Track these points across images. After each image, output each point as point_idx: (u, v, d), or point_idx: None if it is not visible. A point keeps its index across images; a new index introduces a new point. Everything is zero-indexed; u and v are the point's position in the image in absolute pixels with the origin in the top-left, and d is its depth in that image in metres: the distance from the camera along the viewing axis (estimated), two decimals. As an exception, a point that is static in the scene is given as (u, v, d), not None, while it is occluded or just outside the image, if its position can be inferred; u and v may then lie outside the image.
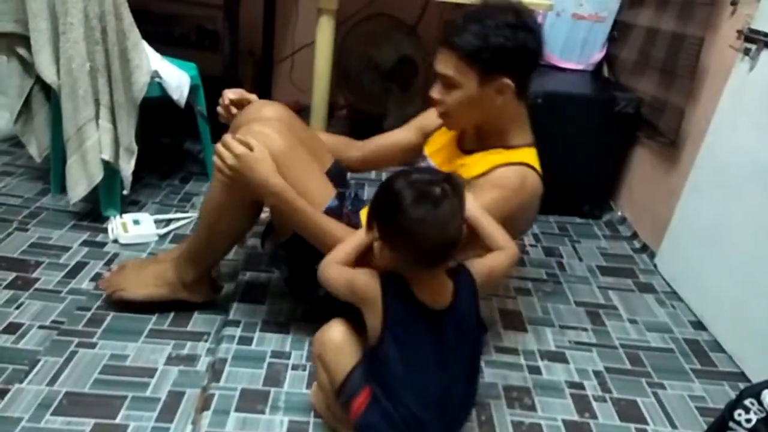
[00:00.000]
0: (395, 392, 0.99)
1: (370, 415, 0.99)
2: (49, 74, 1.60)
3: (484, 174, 1.22)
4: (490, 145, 1.27)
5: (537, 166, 1.26)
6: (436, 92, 1.23)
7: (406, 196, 0.94)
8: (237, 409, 1.14)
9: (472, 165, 1.25)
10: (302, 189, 1.19)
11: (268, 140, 1.18)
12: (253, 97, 1.40)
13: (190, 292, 1.41)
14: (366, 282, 1.00)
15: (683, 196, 1.77)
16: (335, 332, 1.07)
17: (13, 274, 1.49)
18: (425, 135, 1.46)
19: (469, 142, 1.32)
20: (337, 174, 1.42)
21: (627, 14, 2.18)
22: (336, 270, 1.05)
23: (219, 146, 1.16)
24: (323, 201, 1.22)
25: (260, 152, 1.14)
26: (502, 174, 1.21)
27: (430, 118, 1.43)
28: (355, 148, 1.54)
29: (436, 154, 1.38)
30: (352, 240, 1.09)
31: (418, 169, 1.02)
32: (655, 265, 1.88)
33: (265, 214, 1.32)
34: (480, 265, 1.08)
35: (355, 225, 1.21)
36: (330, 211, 1.22)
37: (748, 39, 1.56)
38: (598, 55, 2.28)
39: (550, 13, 2.19)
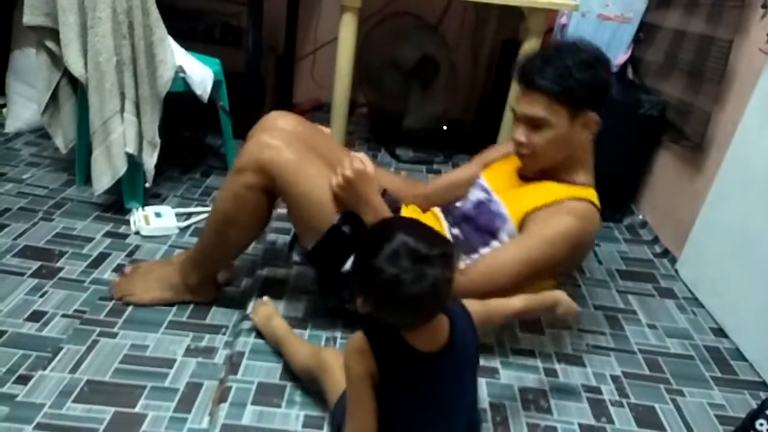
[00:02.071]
0: None
1: None
2: (76, 67, 1.63)
3: (553, 203, 1.25)
4: (555, 177, 1.30)
5: (599, 207, 1.29)
6: (521, 135, 1.25)
7: (387, 272, 0.84)
8: (254, 402, 1.15)
9: (536, 194, 1.28)
10: (312, 198, 1.22)
11: (276, 152, 1.21)
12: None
13: (193, 294, 1.43)
14: (353, 364, 0.92)
15: (707, 201, 1.74)
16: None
17: (38, 263, 1.52)
18: (483, 167, 1.48)
19: (530, 173, 1.34)
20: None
21: (653, 16, 2.14)
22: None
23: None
24: (331, 212, 1.23)
25: (372, 170, 1.20)
26: (574, 205, 1.24)
27: (493, 153, 1.49)
28: (420, 187, 1.56)
29: (494, 179, 1.40)
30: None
31: (404, 229, 0.88)
32: (676, 271, 1.85)
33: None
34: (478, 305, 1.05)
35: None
36: (335, 229, 1.23)
37: (778, 42, 1.53)
38: (622, 57, 2.25)
39: (575, 13, 2.17)
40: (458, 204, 1.43)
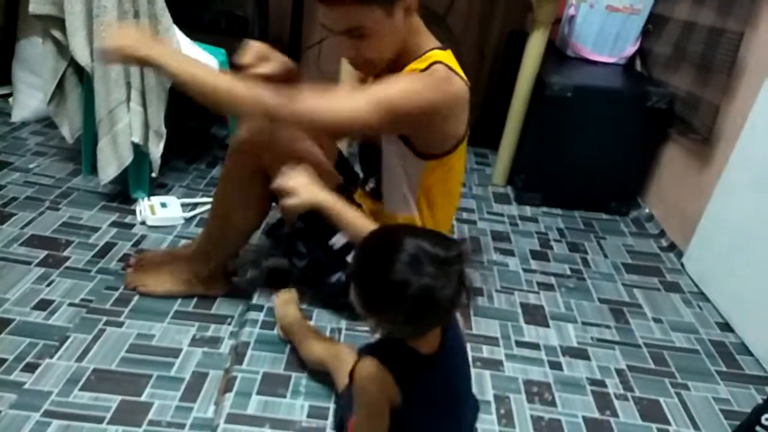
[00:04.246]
0: None
1: None
2: (82, 57, 1.62)
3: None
4: (403, 65, 1.20)
5: (456, 66, 1.17)
6: (349, 50, 1.15)
7: (411, 280, 0.79)
8: (259, 392, 1.16)
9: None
10: None
11: (267, 130, 1.20)
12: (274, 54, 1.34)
13: (205, 286, 1.44)
14: (370, 387, 0.89)
15: (714, 195, 1.73)
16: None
17: (45, 252, 1.53)
18: None
19: (385, 75, 1.23)
20: (345, 168, 1.43)
21: (663, 7, 2.12)
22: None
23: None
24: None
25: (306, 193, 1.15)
26: (434, 71, 1.13)
27: (356, 74, 1.39)
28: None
29: None
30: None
31: (409, 234, 0.84)
32: (682, 264, 1.85)
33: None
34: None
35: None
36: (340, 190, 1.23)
37: (790, 35, 1.51)
38: (631, 49, 2.23)
39: (583, 4, 2.15)
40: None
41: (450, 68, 1.16)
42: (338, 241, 1.26)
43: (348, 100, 1.12)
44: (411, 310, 0.80)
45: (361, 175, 1.46)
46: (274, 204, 1.33)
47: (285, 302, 1.33)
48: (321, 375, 1.20)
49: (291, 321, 1.28)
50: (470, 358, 1.32)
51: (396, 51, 1.18)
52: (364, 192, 1.44)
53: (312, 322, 1.36)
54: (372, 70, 1.23)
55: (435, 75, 1.14)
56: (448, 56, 1.20)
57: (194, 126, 2.40)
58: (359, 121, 1.11)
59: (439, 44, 1.22)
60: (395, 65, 1.20)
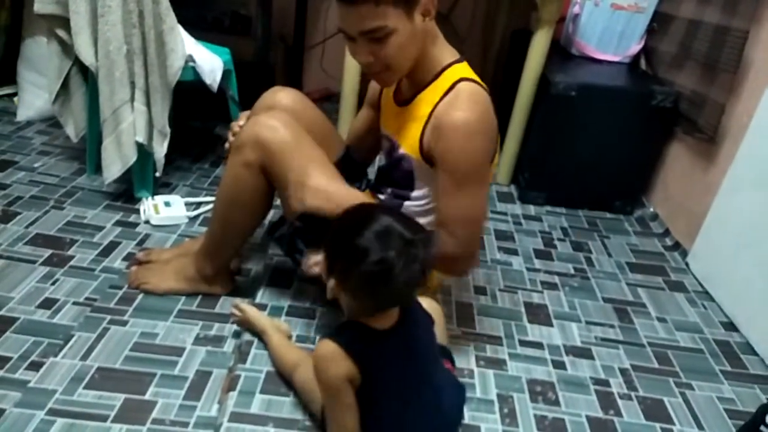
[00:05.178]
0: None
1: None
2: (87, 56, 1.63)
3: (431, 117, 1.14)
4: (423, 81, 1.19)
5: (476, 77, 1.16)
6: (366, 54, 1.11)
7: (373, 249, 0.85)
8: (262, 391, 1.16)
9: (412, 119, 1.19)
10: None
11: (273, 131, 1.20)
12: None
13: (209, 285, 1.44)
14: (332, 371, 0.92)
15: (720, 194, 1.72)
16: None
17: (49, 251, 1.54)
18: (376, 108, 1.41)
19: (405, 91, 1.24)
20: (349, 163, 1.43)
21: (668, 5, 2.11)
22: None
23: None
24: None
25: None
26: (449, 102, 1.12)
27: (372, 87, 1.40)
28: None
29: (387, 120, 1.33)
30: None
31: (380, 214, 0.89)
32: (687, 264, 1.84)
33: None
34: None
35: None
36: None
37: (796, 33, 1.50)
38: (635, 47, 2.22)
39: (588, 2, 2.14)
40: (378, 164, 1.39)
41: (474, 81, 1.15)
42: None
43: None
44: (367, 279, 0.86)
45: (372, 180, 1.44)
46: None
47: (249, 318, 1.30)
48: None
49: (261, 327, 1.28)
50: (473, 358, 1.33)
51: (415, 57, 1.15)
52: (375, 196, 1.40)
53: (315, 321, 1.36)
54: (390, 79, 1.18)
55: (481, 125, 1.11)
56: (466, 69, 1.18)
57: (198, 125, 2.40)
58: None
59: (456, 55, 1.20)
60: (413, 77, 1.19)
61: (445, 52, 1.19)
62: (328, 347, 0.92)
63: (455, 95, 1.13)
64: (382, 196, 1.35)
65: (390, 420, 0.98)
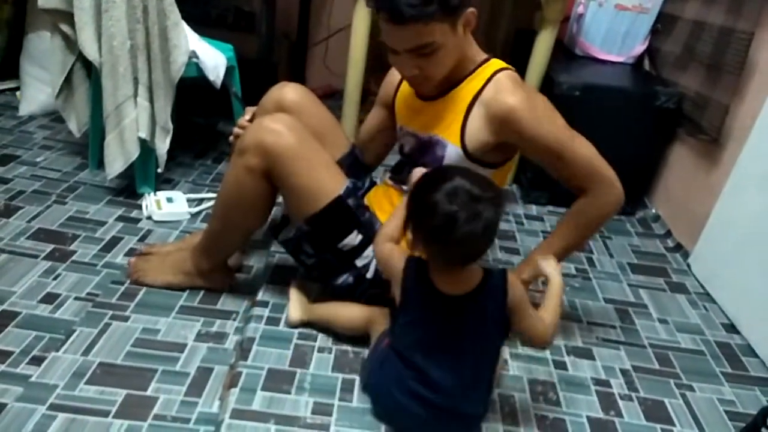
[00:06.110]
0: (405, 355, 1.05)
1: (375, 357, 1.13)
2: (91, 51, 1.63)
3: (474, 100, 1.20)
4: (458, 78, 1.22)
5: (508, 66, 1.24)
6: (412, 68, 1.15)
7: (444, 208, 0.93)
8: (263, 388, 1.16)
9: (452, 108, 1.22)
10: (311, 183, 1.21)
11: (277, 136, 1.19)
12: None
13: (206, 280, 1.44)
14: (396, 263, 1.07)
15: (722, 196, 1.72)
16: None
17: (52, 246, 1.54)
18: (390, 107, 1.41)
19: (433, 87, 1.24)
20: (353, 162, 1.43)
21: (672, 6, 2.11)
22: (380, 245, 1.12)
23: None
24: (332, 193, 1.22)
25: None
26: (498, 87, 1.19)
27: (388, 88, 1.42)
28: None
29: (406, 119, 1.34)
30: (398, 215, 1.12)
31: (460, 173, 0.97)
32: (688, 265, 1.84)
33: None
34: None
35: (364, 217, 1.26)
36: (340, 200, 1.22)
37: (801, 35, 1.50)
38: (639, 48, 2.22)
39: (592, 2, 2.14)
40: (402, 158, 1.39)
41: (510, 69, 1.23)
42: (349, 243, 1.25)
43: None
44: (434, 231, 0.95)
45: (390, 174, 1.42)
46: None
47: (300, 287, 1.39)
48: (325, 372, 1.21)
49: (311, 302, 1.35)
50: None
51: (452, 66, 1.21)
52: (395, 186, 1.37)
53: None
54: (429, 86, 1.22)
55: (533, 93, 1.24)
56: (501, 63, 1.25)
57: (201, 122, 2.40)
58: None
59: (485, 54, 1.27)
60: (449, 77, 1.22)
61: (479, 52, 1.26)
62: (405, 252, 1.07)
63: (498, 84, 1.19)
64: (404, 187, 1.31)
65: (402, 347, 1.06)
